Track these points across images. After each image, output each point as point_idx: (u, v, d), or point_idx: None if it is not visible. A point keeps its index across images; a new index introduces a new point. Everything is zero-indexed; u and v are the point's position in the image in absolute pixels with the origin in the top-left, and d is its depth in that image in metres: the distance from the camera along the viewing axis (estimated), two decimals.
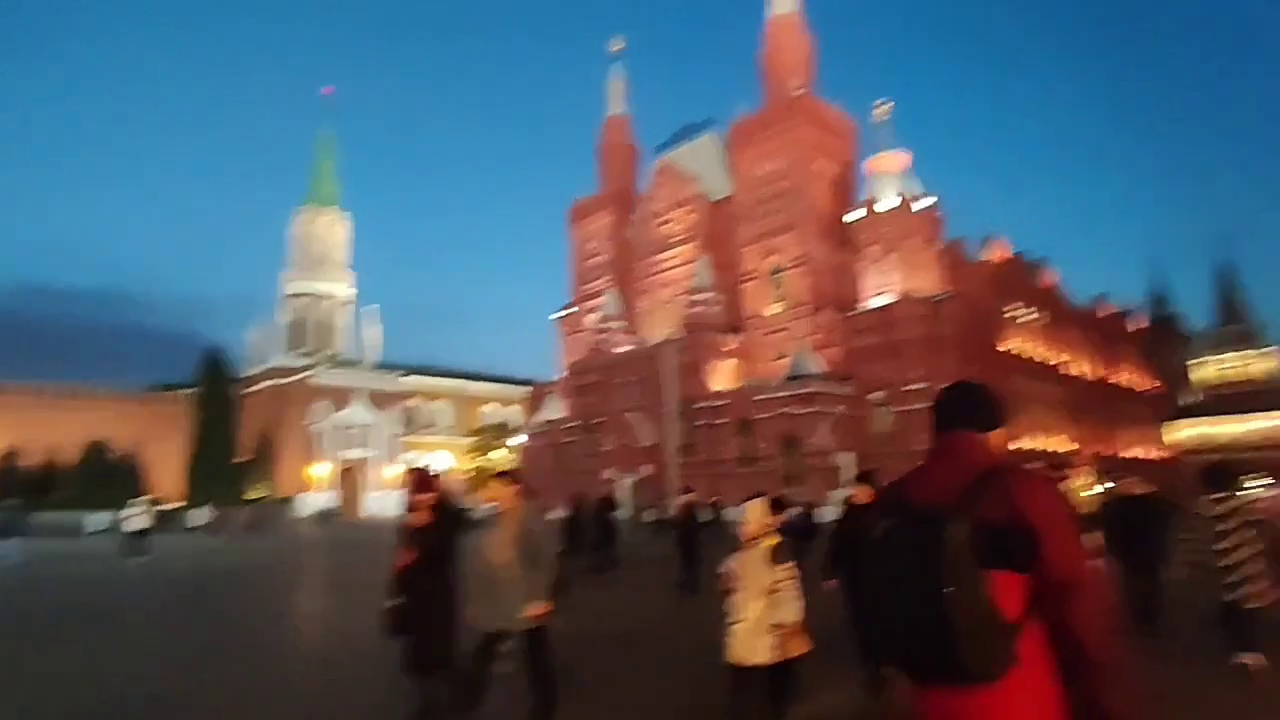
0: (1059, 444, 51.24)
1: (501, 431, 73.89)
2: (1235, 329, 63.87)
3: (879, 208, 46.73)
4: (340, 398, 64.86)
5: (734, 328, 52.55)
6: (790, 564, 4.31)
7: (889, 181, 47.28)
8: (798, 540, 5.82)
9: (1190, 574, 6.28)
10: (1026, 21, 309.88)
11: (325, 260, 72.17)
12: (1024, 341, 51.32)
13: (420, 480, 4.58)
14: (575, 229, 69.41)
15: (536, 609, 4.41)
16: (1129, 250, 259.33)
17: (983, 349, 44.75)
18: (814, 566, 6.01)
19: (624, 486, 51.10)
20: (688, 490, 16.29)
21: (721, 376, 50.43)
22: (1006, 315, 50.22)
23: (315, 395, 63.76)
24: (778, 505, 5.92)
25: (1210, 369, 64.68)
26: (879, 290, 45.92)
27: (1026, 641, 1.68)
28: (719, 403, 48.05)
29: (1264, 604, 5.83)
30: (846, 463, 39.89)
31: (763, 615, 4.18)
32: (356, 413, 65.29)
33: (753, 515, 4.59)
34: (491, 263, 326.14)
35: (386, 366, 69.48)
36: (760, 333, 51.80)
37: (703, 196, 58.58)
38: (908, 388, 41.90)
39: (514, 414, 78.19)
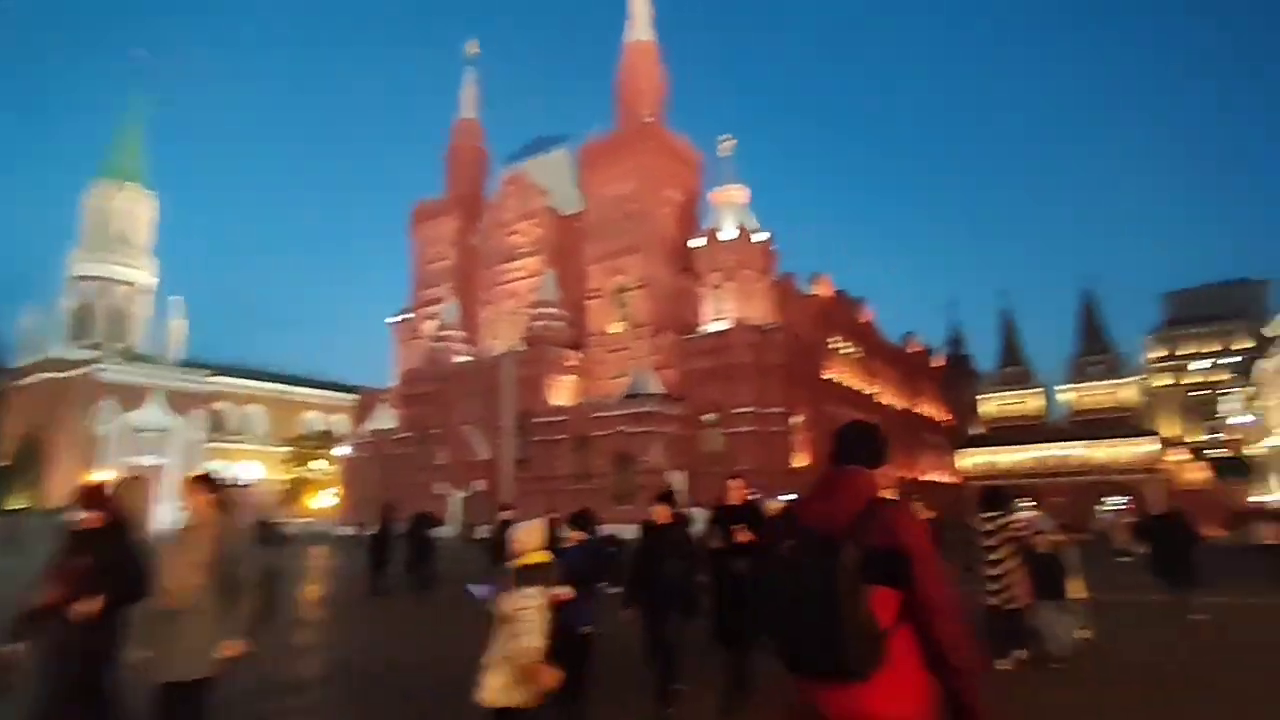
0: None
1: (323, 441, 68.83)
2: (1014, 370, 72.55)
3: (720, 237, 48.67)
4: (132, 397, 57.39)
5: (576, 344, 52.45)
6: (536, 589, 3.85)
7: (730, 213, 49.44)
8: (592, 563, 5.38)
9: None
10: (859, 88, 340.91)
11: (123, 242, 63.95)
12: (843, 372, 55.35)
13: (89, 494, 3.65)
14: (418, 231, 66.57)
15: (230, 649, 3.59)
16: (934, 295, 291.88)
17: (807, 377, 47.66)
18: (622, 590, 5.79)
19: (455, 502, 49.15)
20: (506, 507, 15.68)
21: (561, 392, 50.05)
22: (829, 347, 53.94)
23: (101, 392, 55.97)
24: (582, 523, 5.54)
25: (993, 404, 72.98)
26: (716, 316, 47.68)
27: (896, 644, 2.03)
28: (557, 418, 47.60)
29: (1022, 606, 6.69)
30: (677, 481, 40.77)
31: (506, 649, 3.77)
32: (151, 414, 58.03)
33: (523, 535, 4.17)
34: (326, 262, 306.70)
35: (192, 364, 62.49)
36: (602, 350, 52.04)
37: (552, 211, 58.30)
38: (737, 410, 43.64)
39: (339, 422, 73.19)
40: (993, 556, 6.63)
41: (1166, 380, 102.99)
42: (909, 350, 71.99)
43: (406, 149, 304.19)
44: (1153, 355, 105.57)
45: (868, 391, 58.37)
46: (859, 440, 2.34)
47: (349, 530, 44.48)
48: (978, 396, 75.82)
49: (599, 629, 5.25)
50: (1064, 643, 6.95)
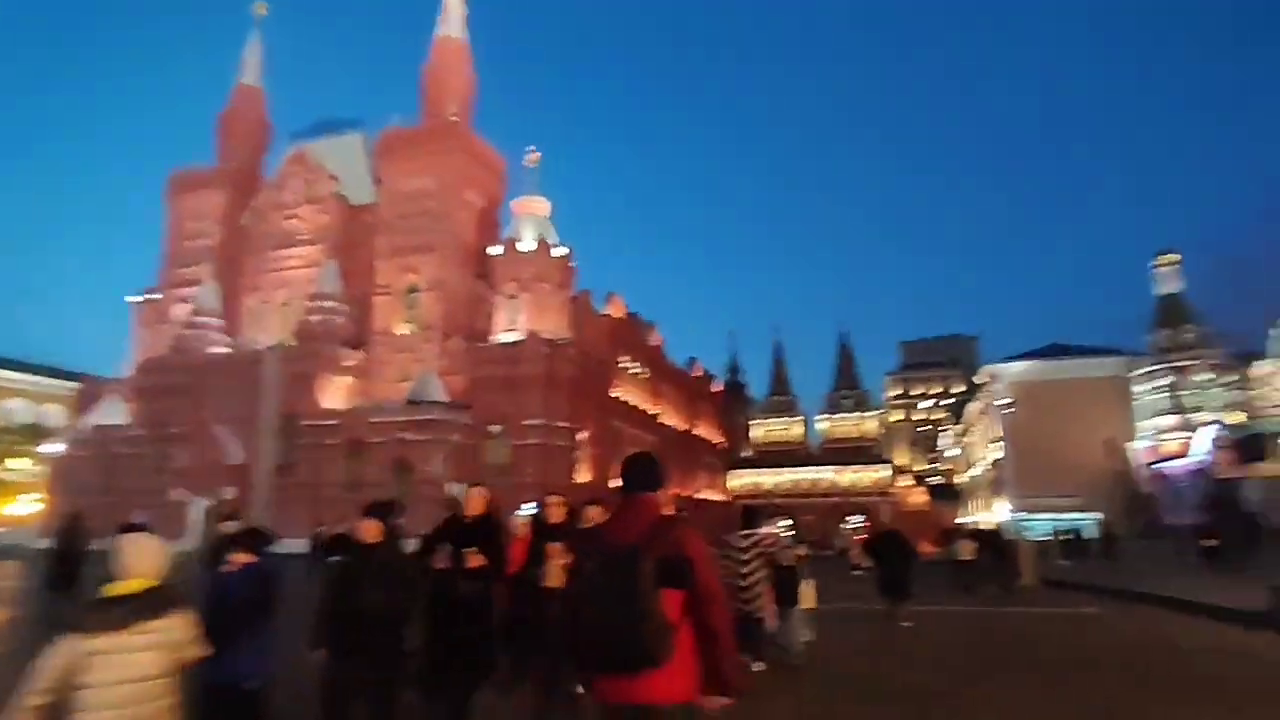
0: None
1: (28, 435, 57.52)
2: (781, 400, 79.67)
3: (520, 248, 48.15)
4: None
5: (357, 342, 48.90)
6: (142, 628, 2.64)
7: (530, 224, 49.16)
8: (259, 594, 4.45)
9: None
10: (664, 119, 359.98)
11: None
12: (630, 391, 57.11)
13: None
14: (176, 203, 58.35)
15: None
16: (719, 325, 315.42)
17: (596, 393, 48.45)
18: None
19: (197, 509, 43.25)
20: (230, 516, 13.83)
21: (336, 394, 46.28)
22: (619, 366, 55.40)
23: None
24: (249, 541, 4.52)
25: (762, 430, 79.47)
26: (509, 326, 46.94)
27: (680, 636, 2.49)
28: (329, 421, 43.90)
29: (765, 616, 7.27)
30: (457, 492, 39.20)
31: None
32: None
33: (133, 550, 2.84)
34: (54, 230, 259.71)
35: None
36: (386, 351, 48.97)
37: (341, 198, 54.11)
38: (525, 422, 43.12)
39: (52, 414, 61.68)
40: (745, 570, 7.10)
41: (900, 416, 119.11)
42: (692, 375, 76.18)
43: (175, 113, 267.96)
44: (891, 393, 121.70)
45: (652, 411, 60.72)
46: (645, 470, 2.84)
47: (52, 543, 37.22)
48: (750, 421, 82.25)
49: (271, 681, 4.33)
50: (798, 647, 7.75)
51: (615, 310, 58.13)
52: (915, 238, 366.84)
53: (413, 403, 43.22)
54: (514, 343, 45.39)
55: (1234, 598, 11.49)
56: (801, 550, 8.76)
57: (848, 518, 71.16)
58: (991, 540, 17.95)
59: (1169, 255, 48.41)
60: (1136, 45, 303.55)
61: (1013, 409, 51.25)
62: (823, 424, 78.04)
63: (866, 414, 77.44)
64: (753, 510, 8.03)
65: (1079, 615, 11.94)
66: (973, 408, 66.13)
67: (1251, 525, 19.15)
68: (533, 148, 50.74)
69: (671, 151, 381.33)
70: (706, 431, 77.35)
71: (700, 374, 78.64)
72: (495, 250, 48.68)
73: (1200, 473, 36.84)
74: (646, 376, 60.89)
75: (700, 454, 73.47)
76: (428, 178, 50.21)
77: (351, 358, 48.04)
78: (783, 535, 9.27)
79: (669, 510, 2.78)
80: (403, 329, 49.23)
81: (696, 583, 2.53)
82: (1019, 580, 17.85)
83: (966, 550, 17.54)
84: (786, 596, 7.59)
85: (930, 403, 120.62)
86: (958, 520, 59.82)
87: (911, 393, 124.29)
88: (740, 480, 76.45)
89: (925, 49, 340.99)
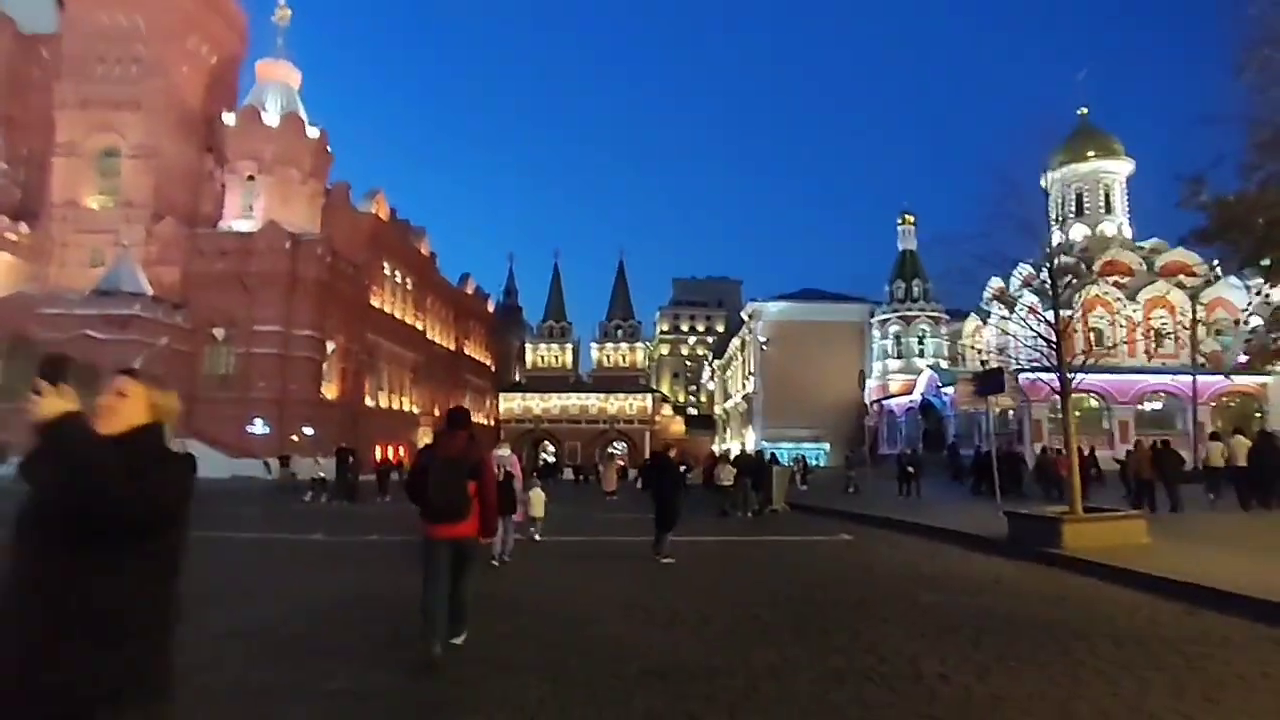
0: (407, 403, 53.59)
1: None
2: (557, 325, 78.33)
3: (262, 119, 40.46)
4: None
5: (21, 213, 38.38)
6: None
7: (276, 93, 41.46)
8: None
9: None
10: (458, 25, 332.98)
11: None
12: (394, 302, 51.93)
13: None
14: None
15: None
16: (496, 244, 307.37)
17: (350, 300, 43.01)
18: None
19: None
20: None
21: None
22: (382, 273, 49.87)
23: None
24: None
25: (535, 354, 77.87)
26: (243, 213, 39.65)
27: (472, 504, 4.96)
28: None
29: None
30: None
31: None
32: None
33: None
34: None
35: None
36: (68, 228, 39.06)
37: (7, 20, 41.44)
38: (258, 328, 37.03)
39: None
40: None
41: (668, 349, 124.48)
42: (465, 292, 71.77)
43: None
44: (661, 327, 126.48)
45: (417, 326, 56.07)
46: (461, 417, 5.35)
47: None
48: (524, 345, 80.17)
49: None
50: (508, 548, 9.03)
51: (379, 210, 51.91)
52: (691, 177, 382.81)
53: (103, 294, 34.94)
54: (248, 233, 38.43)
55: (980, 525, 11.75)
56: (518, 468, 9.70)
57: (613, 444, 72.86)
58: (751, 466, 17.74)
59: (907, 216, 53.55)
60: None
61: (768, 345, 54.55)
62: (596, 352, 78.41)
63: (637, 344, 79.11)
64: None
65: (837, 542, 11.60)
66: (735, 342, 69.93)
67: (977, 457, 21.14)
68: (283, 2, 42.49)
69: (462, 56, 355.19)
70: (477, 352, 73.96)
71: (473, 292, 74.41)
72: (229, 118, 40.45)
73: (916, 409, 41.79)
74: (413, 287, 55.80)
75: (468, 375, 70.21)
76: (136, 12, 39.93)
77: (16, 233, 37.67)
78: (508, 455, 9.68)
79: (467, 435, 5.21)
80: (94, 202, 39.49)
81: (482, 477, 5.09)
82: (770, 505, 17.94)
83: (727, 475, 17.12)
84: (505, 505, 8.17)
85: (696, 338, 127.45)
86: (715, 448, 63.50)
87: (680, 328, 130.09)
88: (510, 404, 74.58)
89: None
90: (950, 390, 38.38)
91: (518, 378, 78.90)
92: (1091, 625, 5.55)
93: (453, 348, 65.76)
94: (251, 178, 40.11)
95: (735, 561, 9.54)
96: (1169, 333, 31.23)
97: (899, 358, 48.39)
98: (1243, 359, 32.41)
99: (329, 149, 43.83)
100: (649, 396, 77.50)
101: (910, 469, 21.58)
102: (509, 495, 8.68)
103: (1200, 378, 30.94)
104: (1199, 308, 32.07)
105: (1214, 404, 31.73)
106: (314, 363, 39.00)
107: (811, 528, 13.63)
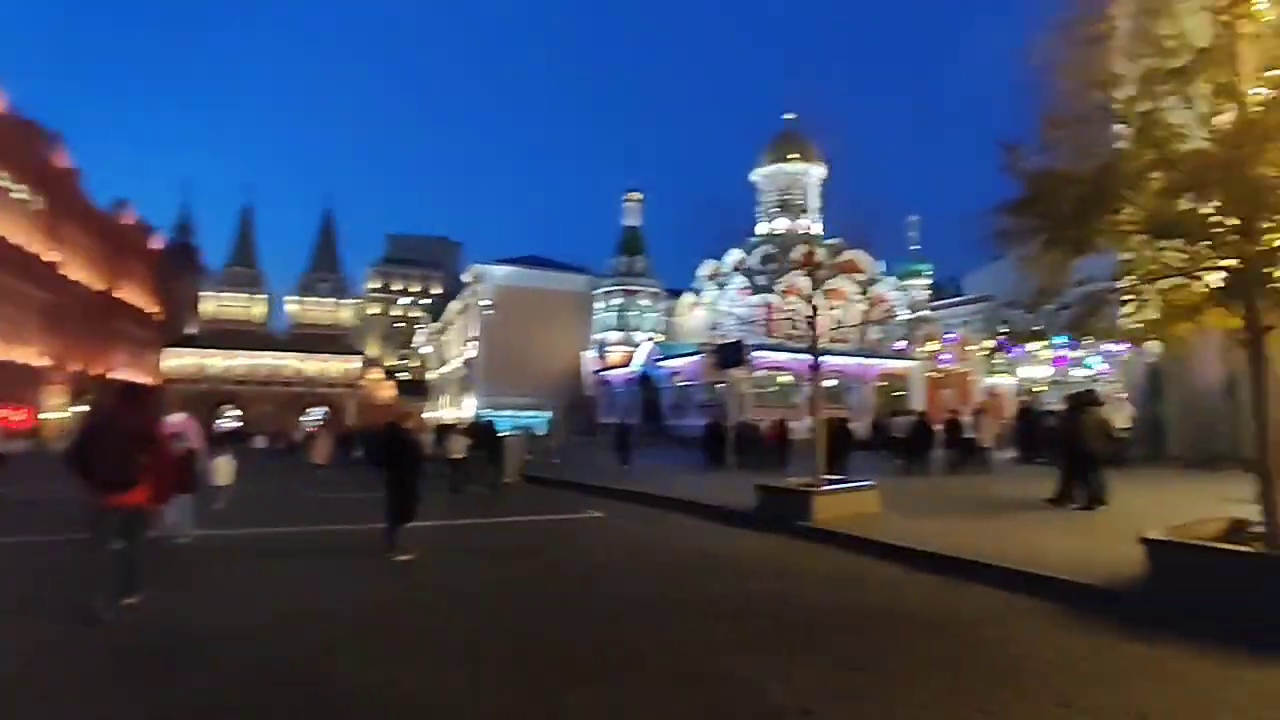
0: (29, 356, 42.04)
1: None
2: (244, 272, 67.86)
3: None
4: None
5: None
6: None
7: None
8: None
9: None
10: None
11: None
12: (11, 224, 40.10)
13: None
14: None
15: None
16: (168, 168, 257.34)
17: None
18: None
19: None
20: None
21: None
22: None
23: None
24: None
25: (216, 304, 66.75)
26: None
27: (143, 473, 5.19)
28: None
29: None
30: None
31: None
32: None
33: None
34: None
35: None
36: None
37: None
38: None
39: None
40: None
41: (378, 309, 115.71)
42: (120, 221, 58.46)
43: None
44: (371, 285, 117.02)
45: (47, 258, 44.12)
46: (137, 396, 5.88)
47: None
48: (200, 293, 68.04)
49: None
50: (183, 527, 8.12)
51: None
52: (413, 130, 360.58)
53: None
54: None
55: (721, 497, 11.77)
56: (198, 442, 8.81)
57: (310, 409, 65.47)
58: (484, 436, 16.29)
59: (634, 194, 55.33)
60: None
61: (492, 310, 52.89)
62: (293, 306, 69.54)
63: (344, 302, 71.88)
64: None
65: (591, 521, 10.77)
66: (454, 306, 66.85)
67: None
68: None
69: None
70: (135, 297, 61.02)
71: (132, 223, 61.01)
72: None
73: (636, 381, 43.48)
74: (41, 208, 43.69)
75: (124, 324, 57.72)
76: None
77: None
78: (186, 422, 8.63)
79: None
80: None
81: (154, 446, 5.37)
82: (503, 478, 16.78)
83: (458, 447, 15.50)
84: (186, 484, 7.78)
85: (410, 299, 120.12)
86: (428, 415, 60.16)
87: (393, 287, 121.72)
88: (180, 361, 63.00)
89: None
90: (668, 363, 40.57)
91: (194, 331, 66.98)
92: (910, 615, 5.28)
93: (102, 288, 53.34)
94: None
95: (488, 553, 8.13)
96: (845, 325, 36.32)
97: (620, 330, 49.98)
98: (901, 344, 39.07)
99: None
100: (356, 358, 71.06)
101: (628, 439, 22.00)
102: (189, 471, 8.08)
103: (866, 360, 36.49)
104: (866, 302, 37.65)
105: (876, 385, 37.78)
106: None
107: (557, 504, 12.71)
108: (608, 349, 49.47)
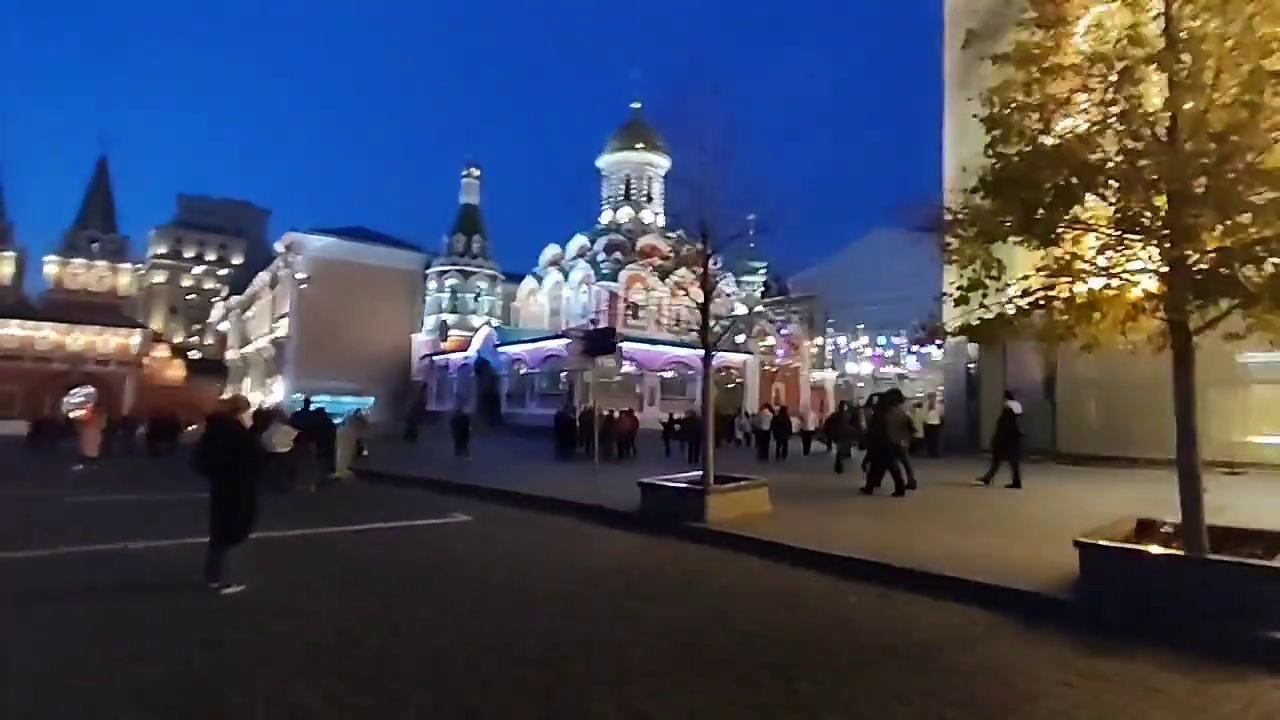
0: None
1: None
2: None
3: None
4: None
5: None
6: None
7: None
8: None
9: None
10: None
11: None
12: None
13: None
14: None
15: None
16: None
17: None
18: None
19: None
20: None
21: None
22: None
23: None
24: None
25: None
26: None
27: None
28: None
29: None
30: None
31: None
32: None
33: None
34: None
35: None
36: None
37: None
38: None
39: None
40: None
41: (164, 277, 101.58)
42: None
43: None
44: (157, 250, 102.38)
45: None
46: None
47: None
48: None
49: None
50: None
51: None
52: (211, 77, 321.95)
53: None
54: None
55: (590, 494, 10.87)
56: None
57: (74, 389, 55.85)
58: (318, 427, 14.08)
59: (472, 170, 52.60)
60: None
61: (308, 284, 47.99)
62: (53, 267, 58.92)
63: (122, 266, 62.03)
64: None
65: (460, 527, 9.40)
66: (262, 278, 60.03)
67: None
68: None
69: None
70: None
71: None
72: None
73: (472, 366, 41.25)
74: None
75: None
76: None
77: None
78: None
79: None
80: None
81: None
82: (333, 474, 14.81)
83: (284, 439, 13.29)
84: None
85: (205, 268, 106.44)
86: (226, 399, 53.39)
87: (185, 254, 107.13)
88: None
89: None
90: (507, 349, 38.85)
91: None
92: (868, 637, 4.71)
93: None
94: None
95: (347, 579, 6.55)
96: (684, 321, 36.87)
97: (454, 313, 47.38)
98: (740, 339, 40.20)
99: None
100: (136, 332, 61.50)
101: (466, 427, 20.99)
102: None
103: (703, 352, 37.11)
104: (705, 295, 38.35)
105: (715, 377, 38.59)
106: None
107: (409, 506, 11.10)
108: (444, 332, 46.67)
